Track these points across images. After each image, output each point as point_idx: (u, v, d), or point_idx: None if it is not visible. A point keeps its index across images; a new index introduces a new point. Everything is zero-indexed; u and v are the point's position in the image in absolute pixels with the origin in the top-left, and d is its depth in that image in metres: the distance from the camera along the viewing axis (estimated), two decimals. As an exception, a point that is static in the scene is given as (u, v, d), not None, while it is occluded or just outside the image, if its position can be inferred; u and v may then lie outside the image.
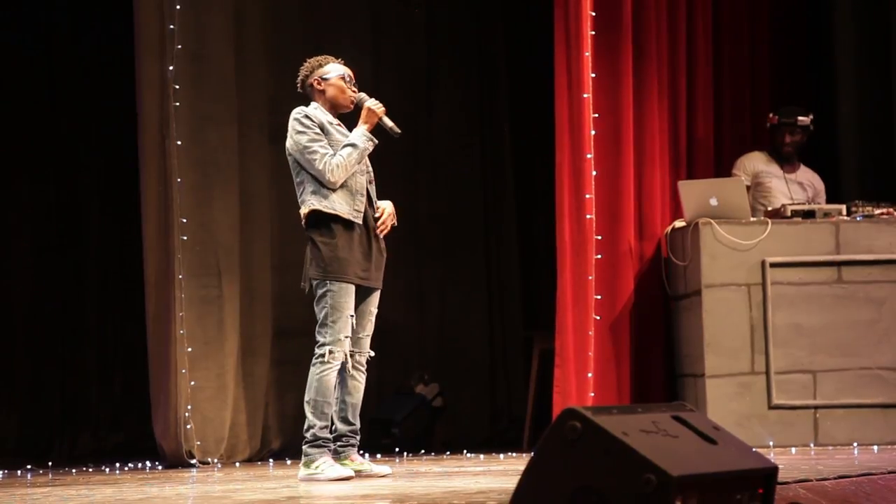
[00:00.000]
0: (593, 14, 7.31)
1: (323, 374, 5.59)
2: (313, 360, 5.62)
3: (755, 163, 7.74)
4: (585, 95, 7.24)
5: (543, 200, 8.36)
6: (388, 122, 5.82)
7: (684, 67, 7.91)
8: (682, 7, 7.89)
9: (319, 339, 5.61)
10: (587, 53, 7.24)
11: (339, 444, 5.76)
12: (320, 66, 5.81)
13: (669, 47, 7.83)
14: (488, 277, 9.15)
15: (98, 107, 8.73)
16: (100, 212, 8.86)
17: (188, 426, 7.09)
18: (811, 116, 7.71)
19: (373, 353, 5.85)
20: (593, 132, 7.29)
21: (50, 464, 7.50)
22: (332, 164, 5.61)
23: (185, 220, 7.21)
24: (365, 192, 5.73)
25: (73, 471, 7.00)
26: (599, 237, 7.34)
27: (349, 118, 5.91)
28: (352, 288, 5.64)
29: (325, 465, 5.58)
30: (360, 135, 5.71)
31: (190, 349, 7.17)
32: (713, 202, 7.21)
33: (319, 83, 5.78)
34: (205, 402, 7.30)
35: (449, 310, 9.02)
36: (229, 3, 7.65)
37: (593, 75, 7.30)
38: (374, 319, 5.82)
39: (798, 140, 7.71)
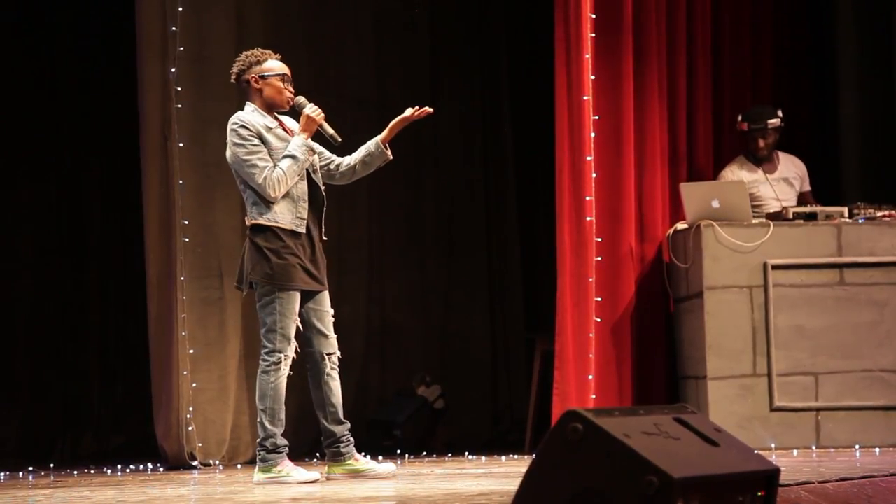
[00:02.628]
0: (593, 16, 7.31)
1: (279, 381, 5.62)
2: (265, 367, 5.62)
3: (737, 175, 7.70)
4: (585, 97, 7.24)
5: (545, 202, 8.37)
6: (329, 130, 5.74)
7: (685, 69, 7.90)
8: (683, 9, 7.89)
9: (269, 345, 5.60)
10: (587, 55, 7.24)
11: (340, 445, 5.77)
12: (259, 62, 5.71)
13: (669, 49, 7.82)
14: (490, 279, 9.15)
15: (100, 108, 8.73)
16: (101, 213, 8.86)
17: (190, 428, 7.10)
18: (780, 114, 7.68)
19: (338, 355, 5.84)
20: (593, 134, 7.29)
21: (51, 465, 7.51)
22: (272, 178, 5.56)
23: (186, 222, 7.22)
24: (307, 198, 5.68)
25: (75, 472, 7.00)
26: (600, 239, 7.33)
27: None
28: (298, 295, 5.64)
29: (288, 468, 5.63)
30: (300, 144, 5.63)
31: (192, 351, 7.18)
32: (715, 204, 7.21)
33: (257, 81, 5.70)
34: (206, 404, 7.31)
35: (451, 312, 9.01)
36: (231, 4, 7.66)
37: (593, 77, 7.30)
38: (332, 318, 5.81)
39: (772, 142, 7.69)
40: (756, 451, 3.51)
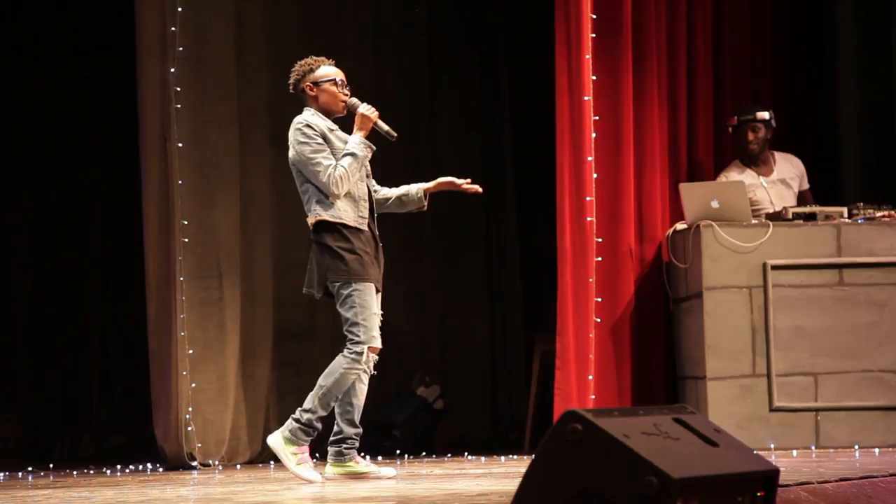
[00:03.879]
0: (594, 17, 7.32)
1: (350, 371, 5.63)
2: (346, 352, 5.63)
3: (732, 179, 7.68)
4: (586, 98, 7.24)
5: (544, 203, 8.36)
6: (384, 126, 5.82)
7: (685, 69, 7.91)
8: (682, 9, 7.89)
9: (354, 336, 5.63)
10: (588, 56, 7.25)
11: (344, 446, 5.77)
12: (312, 70, 5.81)
13: (670, 49, 7.83)
14: (489, 280, 9.15)
15: (99, 109, 8.73)
16: (101, 214, 8.86)
17: (189, 428, 7.10)
18: (770, 112, 7.68)
19: (377, 358, 5.86)
20: (594, 135, 7.29)
21: (51, 465, 7.51)
22: (335, 176, 5.63)
23: (186, 222, 7.22)
24: (367, 198, 5.77)
25: (75, 472, 7.00)
26: (600, 239, 7.34)
27: (345, 122, 5.90)
28: (374, 288, 5.69)
29: (300, 459, 5.64)
30: (358, 142, 5.71)
31: (191, 351, 7.18)
32: (714, 204, 7.21)
33: (312, 89, 5.79)
34: (206, 404, 7.31)
35: (450, 312, 9.01)
36: (230, 5, 7.65)
37: (594, 78, 7.30)
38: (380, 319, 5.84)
39: (762, 136, 7.68)
40: (755, 452, 3.51)
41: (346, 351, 5.65)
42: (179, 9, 7.20)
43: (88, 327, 8.82)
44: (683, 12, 7.89)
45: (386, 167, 8.77)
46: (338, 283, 5.66)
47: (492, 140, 9.23)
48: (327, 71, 5.83)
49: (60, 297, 8.77)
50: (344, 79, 5.85)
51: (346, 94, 5.84)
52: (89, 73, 8.79)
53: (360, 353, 5.62)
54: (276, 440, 5.67)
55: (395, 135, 5.83)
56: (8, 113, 8.63)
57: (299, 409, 5.69)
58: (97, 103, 8.73)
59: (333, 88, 5.79)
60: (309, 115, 5.77)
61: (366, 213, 5.74)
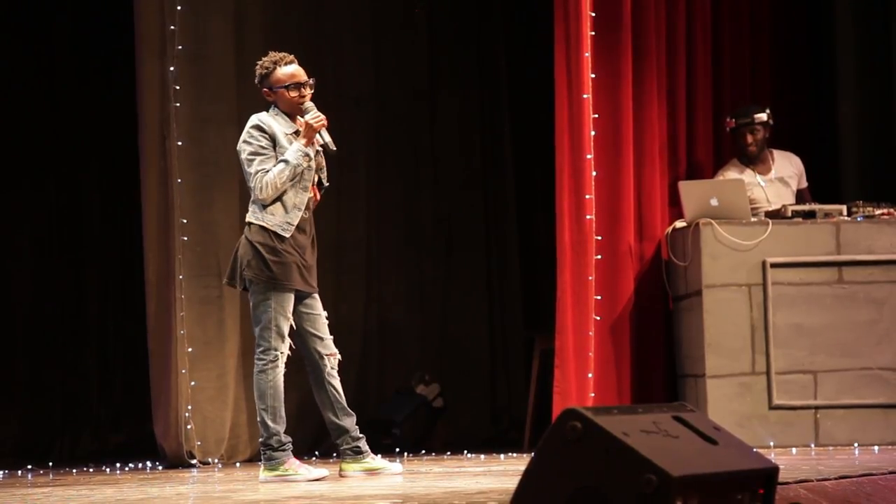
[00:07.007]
0: (593, 14, 7.31)
1: (277, 379, 5.66)
2: (262, 367, 5.64)
3: (729, 178, 7.68)
4: (585, 96, 7.24)
5: (544, 201, 8.36)
6: (326, 137, 5.73)
7: (684, 67, 7.90)
8: (682, 7, 7.88)
9: (264, 343, 5.63)
10: (587, 54, 7.24)
11: (360, 442, 5.78)
12: (268, 74, 5.72)
13: (669, 47, 7.82)
14: (489, 278, 9.15)
15: (98, 107, 8.72)
16: (100, 212, 8.86)
17: (189, 426, 7.10)
18: (768, 111, 7.67)
19: (339, 359, 5.85)
20: (593, 133, 7.29)
21: (51, 464, 7.51)
22: (262, 182, 5.60)
23: (185, 221, 7.22)
24: (303, 207, 5.69)
25: (74, 471, 7.01)
26: (599, 237, 7.33)
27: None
28: (293, 295, 5.66)
29: (295, 466, 5.65)
30: (295, 151, 5.63)
31: (190, 349, 7.18)
32: (714, 202, 7.21)
33: (269, 94, 5.74)
34: (205, 403, 7.31)
35: (450, 310, 9.01)
36: (229, 3, 7.65)
37: (593, 76, 7.29)
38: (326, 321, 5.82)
39: (760, 138, 7.65)
40: (755, 450, 3.51)
41: (258, 363, 5.65)
42: (179, 7, 7.20)
43: (88, 326, 8.82)
44: (683, 10, 7.88)
45: (386, 166, 8.80)
46: (257, 286, 5.64)
47: (491, 138, 9.22)
48: (283, 75, 5.71)
49: (60, 296, 8.77)
50: (302, 79, 5.73)
51: (305, 97, 5.72)
52: (89, 71, 8.79)
53: (274, 360, 5.63)
54: (265, 476, 5.64)
55: (334, 149, 5.75)
56: (7, 111, 8.62)
57: (261, 441, 5.69)
58: (97, 102, 8.72)
59: (289, 94, 5.70)
60: (266, 115, 5.72)
61: (295, 221, 5.65)
